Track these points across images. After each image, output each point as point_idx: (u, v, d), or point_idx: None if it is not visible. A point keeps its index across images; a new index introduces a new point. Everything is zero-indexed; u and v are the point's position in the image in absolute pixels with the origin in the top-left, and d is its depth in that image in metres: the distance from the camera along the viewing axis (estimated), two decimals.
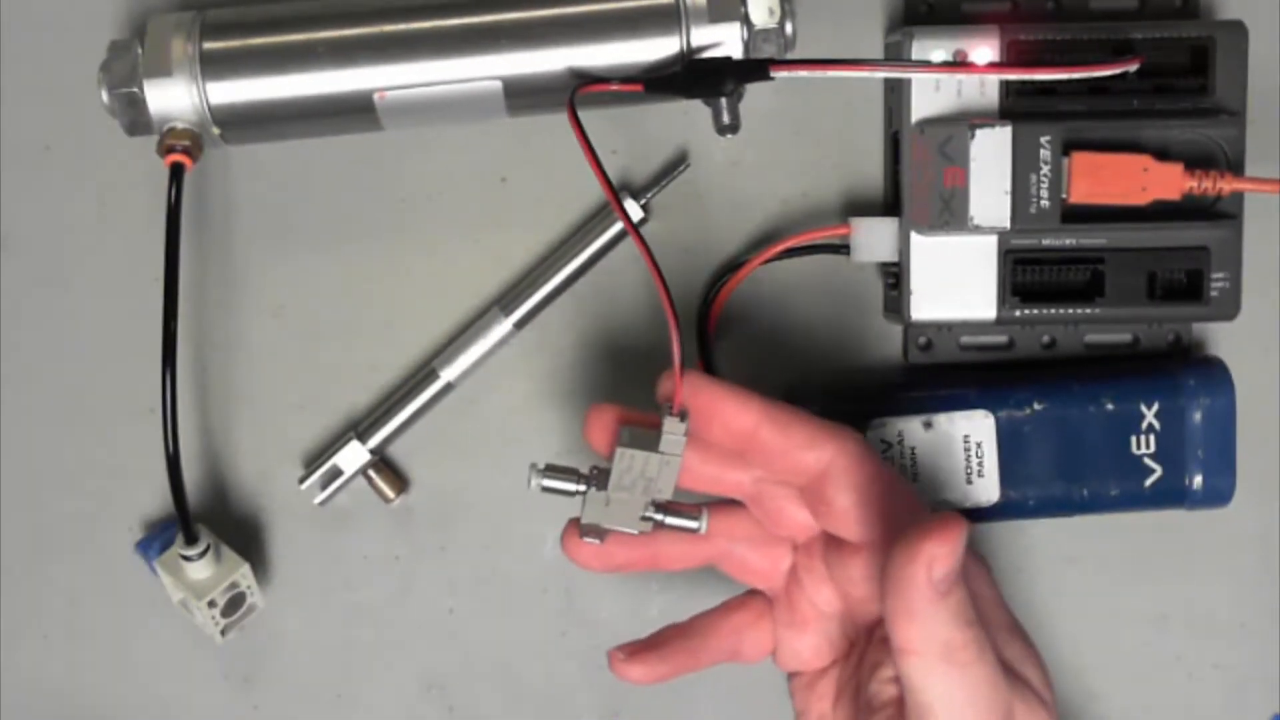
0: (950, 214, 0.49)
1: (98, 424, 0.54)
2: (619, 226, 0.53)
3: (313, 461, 0.54)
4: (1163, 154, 0.49)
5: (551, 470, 0.45)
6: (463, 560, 0.55)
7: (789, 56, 0.50)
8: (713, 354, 0.54)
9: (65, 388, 0.54)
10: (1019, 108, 0.50)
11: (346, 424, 0.54)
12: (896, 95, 0.51)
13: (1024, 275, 0.51)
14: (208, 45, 0.49)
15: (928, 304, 0.51)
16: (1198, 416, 0.52)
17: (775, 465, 0.45)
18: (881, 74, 0.51)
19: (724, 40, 0.49)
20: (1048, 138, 0.49)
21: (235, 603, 0.52)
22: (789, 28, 0.49)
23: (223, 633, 0.52)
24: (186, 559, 0.51)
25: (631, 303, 0.54)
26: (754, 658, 0.48)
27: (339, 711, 0.55)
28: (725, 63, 0.48)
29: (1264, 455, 0.55)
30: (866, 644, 0.46)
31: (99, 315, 0.54)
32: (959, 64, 0.50)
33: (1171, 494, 0.52)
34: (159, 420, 0.48)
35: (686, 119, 0.54)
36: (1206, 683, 0.56)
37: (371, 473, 0.54)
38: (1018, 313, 0.51)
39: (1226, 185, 0.49)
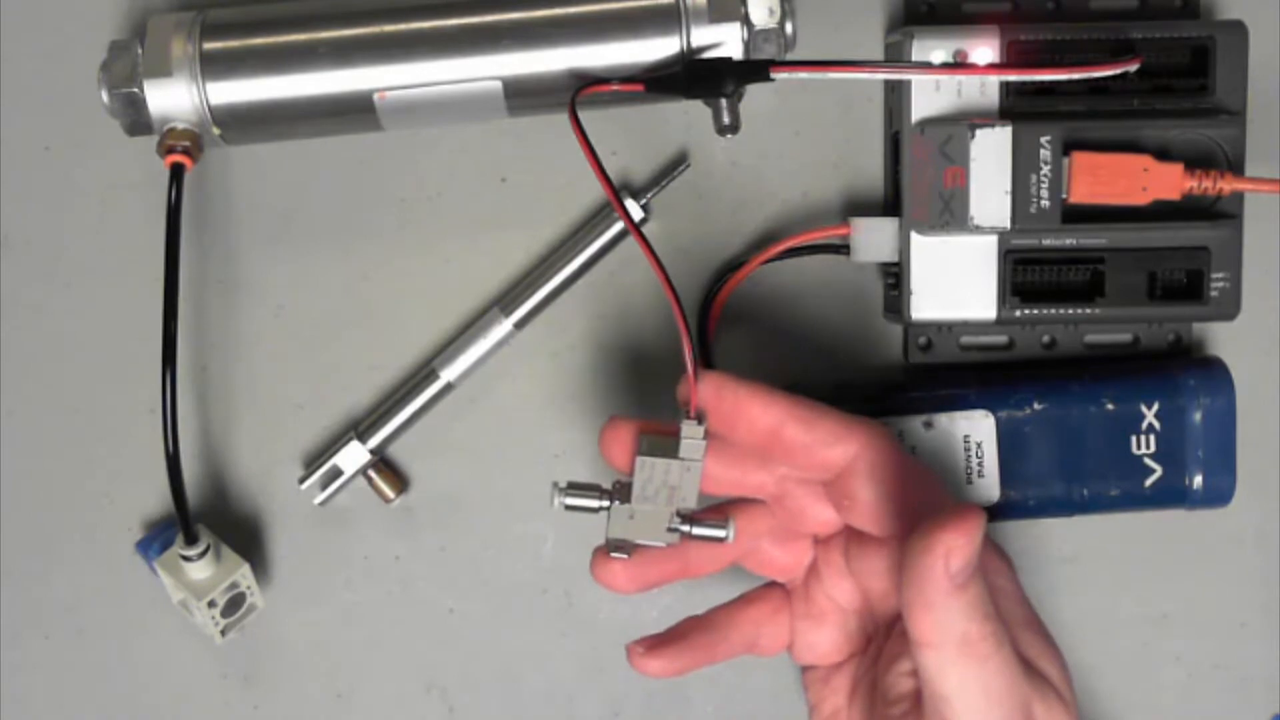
0: (950, 214, 0.49)
1: (98, 424, 0.54)
2: (619, 226, 0.53)
3: (313, 461, 0.54)
4: (1163, 154, 0.49)
5: (574, 488, 0.45)
6: (463, 560, 0.55)
7: (789, 57, 0.50)
8: (713, 354, 0.54)
9: (65, 388, 0.54)
10: (1019, 108, 0.50)
11: (346, 424, 0.54)
12: (896, 95, 0.51)
13: (1024, 275, 0.51)
14: (208, 45, 0.49)
15: (928, 304, 0.51)
16: (1198, 416, 0.52)
17: (799, 462, 0.44)
18: (881, 75, 0.51)
19: (724, 40, 0.49)
20: (1048, 138, 0.49)
21: (235, 603, 0.52)
22: (789, 28, 0.49)
23: (223, 633, 0.52)
24: (186, 559, 0.51)
25: (632, 303, 0.54)
26: (771, 651, 0.48)
27: (339, 711, 0.55)
28: (725, 63, 0.48)
29: (1264, 455, 0.55)
30: (885, 638, 0.45)
31: (99, 315, 0.54)
32: (959, 64, 0.50)
33: (1172, 494, 0.52)
34: (159, 420, 0.48)
35: (686, 119, 0.54)
36: (1206, 683, 0.56)
37: (371, 473, 0.54)
38: (1018, 313, 0.51)
39: (1226, 185, 0.49)
